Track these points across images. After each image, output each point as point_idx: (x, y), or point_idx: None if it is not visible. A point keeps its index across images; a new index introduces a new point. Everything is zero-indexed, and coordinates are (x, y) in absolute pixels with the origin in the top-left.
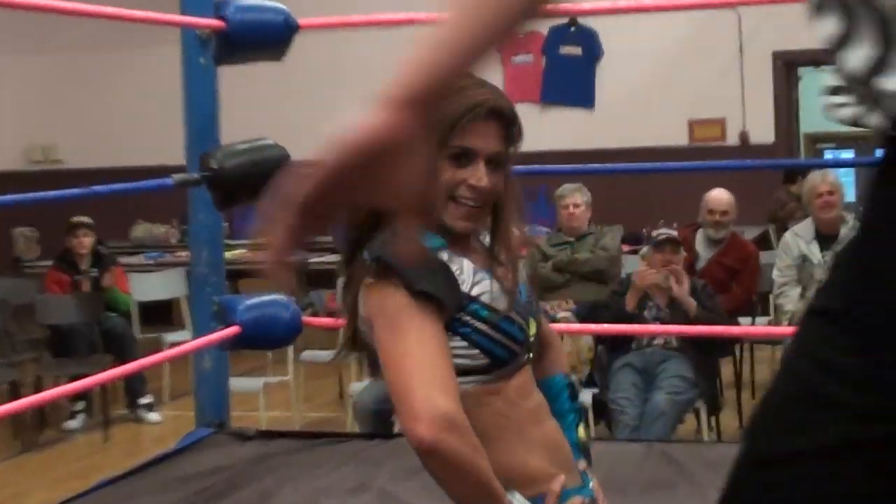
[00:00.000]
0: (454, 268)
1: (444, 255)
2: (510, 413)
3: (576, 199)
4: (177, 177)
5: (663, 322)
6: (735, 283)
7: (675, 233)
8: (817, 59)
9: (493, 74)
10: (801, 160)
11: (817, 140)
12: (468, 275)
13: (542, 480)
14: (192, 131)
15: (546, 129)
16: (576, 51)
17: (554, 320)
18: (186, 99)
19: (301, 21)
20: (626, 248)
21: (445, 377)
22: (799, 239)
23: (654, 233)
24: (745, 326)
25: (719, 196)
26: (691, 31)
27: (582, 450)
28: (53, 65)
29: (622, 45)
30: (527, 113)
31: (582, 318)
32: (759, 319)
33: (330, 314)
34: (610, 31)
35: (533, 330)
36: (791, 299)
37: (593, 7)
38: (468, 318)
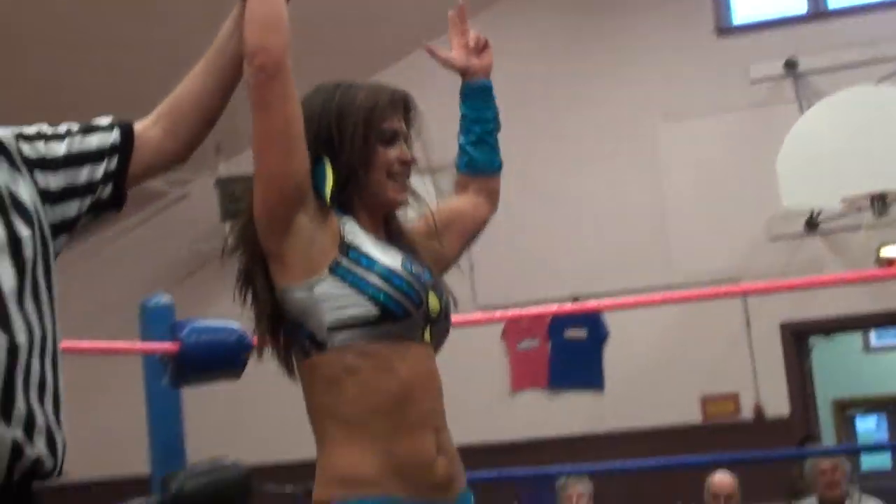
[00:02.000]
0: (345, 224)
1: (344, 217)
2: (383, 384)
3: (578, 490)
4: (133, 502)
5: None
6: None
7: None
8: (827, 327)
9: (499, 361)
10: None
11: (845, 406)
12: (358, 234)
13: (427, 462)
14: (157, 452)
15: (554, 415)
16: (581, 333)
17: None
18: (150, 422)
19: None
20: None
21: None
22: None
23: None
24: None
25: (722, 481)
26: (697, 308)
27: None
28: None
29: (628, 325)
30: (534, 400)
31: None
32: None
33: None
34: (615, 311)
35: (434, 305)
36: None
37: (599, 304)
38: (351, 265)
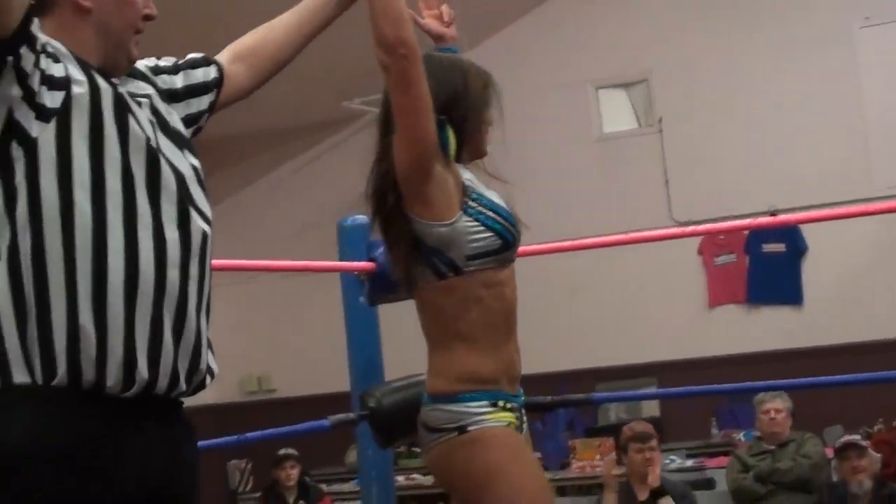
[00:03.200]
0: (466, 175)
1: (464, 171)
2: (495, 307)
3: (777, 405)
4: (333, 418)
5: None
6: None
7: (857, 437)
8: None
9: (697, 276)
10: None
11: None
12: (473, 180)
13: (514, 362)
14: (356, 370)
15: (753, 330)
16: (779, 248)
17: None
18: (349, 339)
19: None
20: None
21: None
22: None
23: (838, 442)
24: None
25: None
26: None
27: None
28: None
29: (827, 239)
30: (733, 314)
31: None
32: None
33: None
34: (813, 224)
35: (521, 230)
36: None
37: (797, 217)
38: (477, 205)
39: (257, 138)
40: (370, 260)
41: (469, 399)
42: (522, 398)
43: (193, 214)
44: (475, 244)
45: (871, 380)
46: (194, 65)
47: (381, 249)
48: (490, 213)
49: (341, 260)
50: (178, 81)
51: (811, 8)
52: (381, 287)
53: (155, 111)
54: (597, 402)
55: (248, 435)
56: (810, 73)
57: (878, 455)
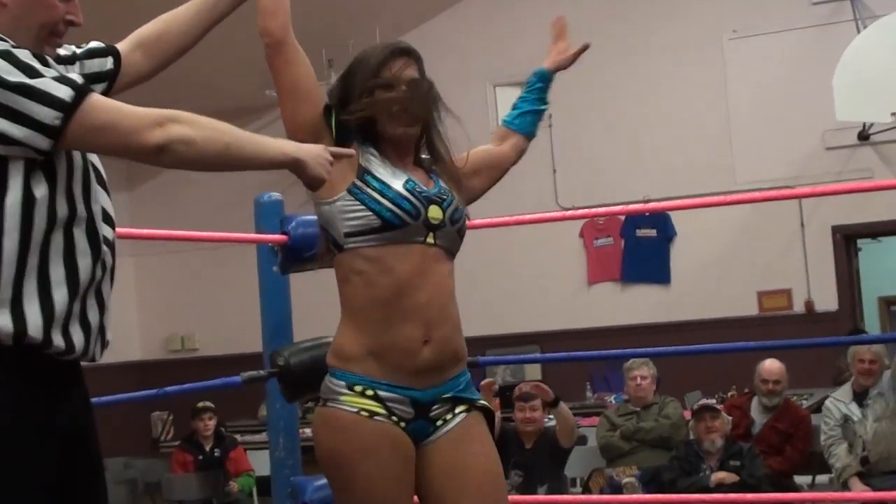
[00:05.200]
0: (365, 155)
1: (367, 148)
2: (381, 281)
3: (643, 372)
4: (245, 375)
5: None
6: (789, 445)
7: (713, 401)
8: (874, 230)
9: (578, 257)
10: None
11: (890, 303)
12: (373, 162)
13: (410, 349)
14: (268, 331)
15: (627, 305)
16: (651, 233)
17: (619, 486)
18: (262, 304)
19: None
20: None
21: None
22: (839, 402)
23: (695, 405)
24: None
25: (771, 367)
26: (756, 209)
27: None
28: (182, 264)
29: (693, 226)
30: (609, 290)
31: (645, 482)
32: (819, 477)
33: None
34: (682, 213)
35: (436, 214)
36: (840, 457)
37: (668, 205)
38: (363, 185)
39: None
40: (283, 233)
41: (332, 375)
42: (427, 393)
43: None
44: (352, 222)
45: (726, 350)
46: (92, 54)
47: (293, 223)
48: (373, 194)
49: (258, 233)
50: (75, 71)
51: (686, 19)
52: (292, 257)
53: None
54: (483, 365)
55: (168, 389)
56: (684, 79)
57: (730, 417)
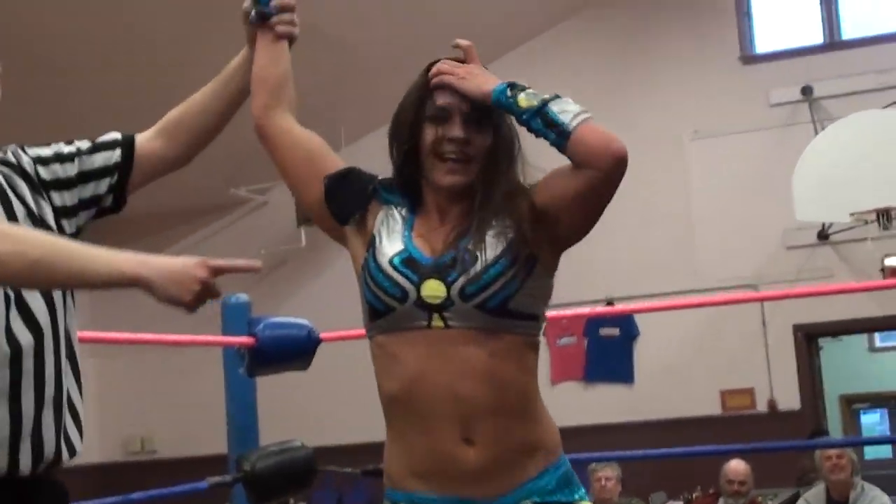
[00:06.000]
0: (381, 215)
1: (395, 210)
2: (393, 370)
3: (607, 474)
4: (210, 480)
5: None
6: None
7: (679, 503)
8: (835, 329)
9: (542, 356)
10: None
11: (851, 401)
12: (388, 223)
13: (448, 453)
14: (233, 435)
15: (590, 405)
16: (614, 332)
17: None
18: (228, 407)
19: (323, 335)
20: None
21: None
22: None
23: None
24: None
25: (737, 468)
26: (719, 310)
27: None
28: (142, 363)
29: (656, 324)
30: (572, 391)
31: None
32: None
33: None
34: (645, 313)
35: (434, 291)
36: None
37: (631, 307)
38: (366, 266)
39: (145, 221)
40: (250, 335)
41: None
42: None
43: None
44: (362, 306)
45: (690, 454)
46: (98, 149)
47: (261, 325)
48: (367, 275)
49: (224, 334)
50: (72, 170)
51: (648, 120)
52: (259, 360)
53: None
54: None
55: (133, 496)
56: (646, 179)
57: None
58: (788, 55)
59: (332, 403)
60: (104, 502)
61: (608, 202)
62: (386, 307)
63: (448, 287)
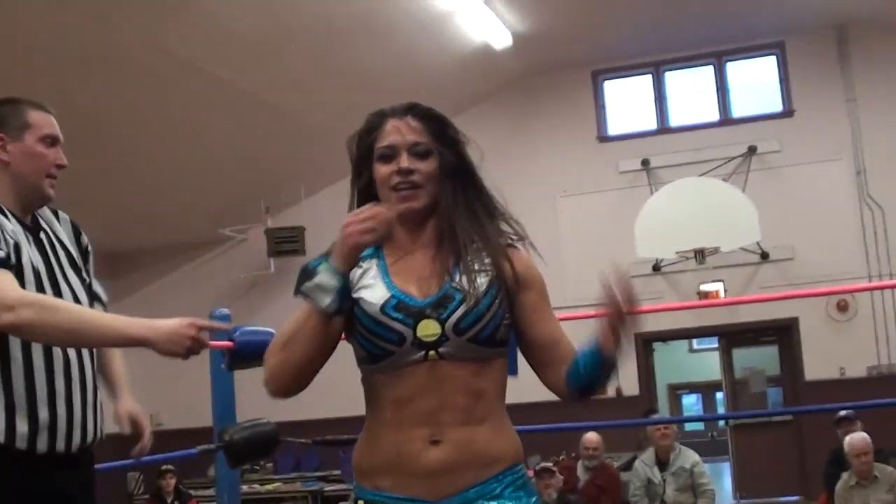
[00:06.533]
0: (357, 272)
1: (366, 260)
2: (387, 410)
3: None
4: (199, 448)
5: None
6: (605, 496)
7: (549, 464)
8: (664, 336)
9: None
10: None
11: (675, 388)
12: (363, 279)
13: (415, 450)
14: (217, 412)
15: None
16: None
17: None
18: (213, 392)
19: None
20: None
21: None
22: (644, 465)
23: (536, 466)
24: None
25: (591, 437)
26: (583, 322)
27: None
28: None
29: None
30: None
31: None
32: None
33: None
34: None
35: (430, 330)
36: None
37: None
38: (354, 318)
39: (152, 253)
40: (230, 340)
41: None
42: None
43: None
44: (355, 350)
45: (558, 429)
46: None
47: (237, 332)
48: (360, 327)
49: (211, 339)
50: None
51: (530, 182)
52: (236, 358)
53: (63, 247)
54: None
55: (143, 458)
56: (528, 228)
57: (562, 477)
58: (632, 136)
59: None
60: (123, 464)
61: None
62: (384, 352)
63: (442, 325)
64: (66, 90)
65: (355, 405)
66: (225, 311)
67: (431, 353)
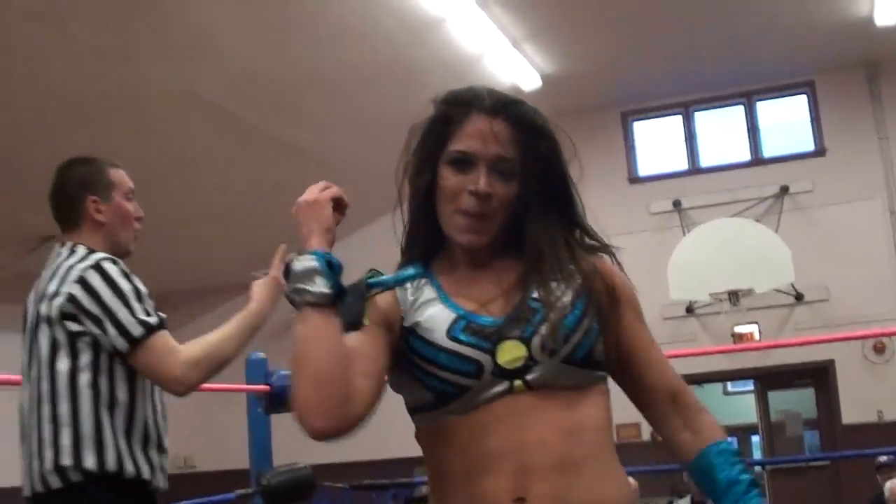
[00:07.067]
0: (406, 296)
1: (413, 283)
2: (456, 459)
3: None
4: (238, 492)
5: None
6: None
7: None
8: (699, 379)
9: None
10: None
11: None
12: (415, 303)
13: None
14: (254, 456)
15: None
16: None
17: None
18: (250, 436)
19: None
20: None
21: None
22: None
23: None
24: None
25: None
26: None
27: None
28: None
29: None
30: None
31: None
32: None
33: None
34: None
35: (513, 354)
36: None
37: None
38: (407, 351)
39: (193, 294)
40: (267, 384)
41: None
42: None
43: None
44: (407, 398)
45: None
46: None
47: (275, 376)
48: (415, 359)
49: (248, 383)
50: None
51: None
52: (273, 402)
53: None
54: (417, 484)
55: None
56: None
57: None
58: (663, 177)
59: None
60: None
61: None
62: (457, 388)
63: (527, 345)
64: (91, 136)
65: (390, 448)
66: (260, 354)
67: (517, 382)
